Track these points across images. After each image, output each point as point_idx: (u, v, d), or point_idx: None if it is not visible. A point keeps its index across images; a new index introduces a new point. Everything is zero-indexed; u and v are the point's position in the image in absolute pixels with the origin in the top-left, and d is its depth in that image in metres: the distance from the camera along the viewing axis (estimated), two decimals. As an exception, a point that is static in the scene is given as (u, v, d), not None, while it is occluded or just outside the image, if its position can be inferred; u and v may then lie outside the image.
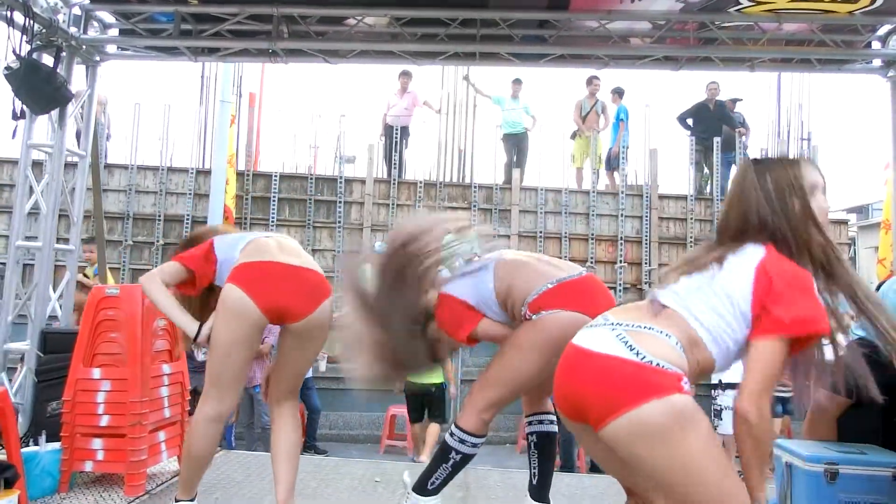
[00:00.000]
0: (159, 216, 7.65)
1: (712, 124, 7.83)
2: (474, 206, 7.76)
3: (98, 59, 3.85)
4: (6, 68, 3.21)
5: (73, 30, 3.60)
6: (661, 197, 7.99)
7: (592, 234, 7.85)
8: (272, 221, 7.58)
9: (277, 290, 2.01)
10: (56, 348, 3.28)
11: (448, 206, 7.79)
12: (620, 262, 7.76)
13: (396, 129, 8.02)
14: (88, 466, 2.77)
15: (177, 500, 2.24)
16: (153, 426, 2.83)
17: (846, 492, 2.48)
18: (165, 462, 3.02)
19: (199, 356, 2.16)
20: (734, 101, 8.34)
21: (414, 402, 5.50)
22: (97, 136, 4.22)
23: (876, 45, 3.67)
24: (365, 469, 3.34)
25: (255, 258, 2.06)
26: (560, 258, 7.74)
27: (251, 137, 8.50)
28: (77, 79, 3.78)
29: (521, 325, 2.10)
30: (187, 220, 7.62)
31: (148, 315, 2.86)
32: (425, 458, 5.20)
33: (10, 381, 3.35)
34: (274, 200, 7.64)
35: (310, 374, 6.03)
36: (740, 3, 3.34)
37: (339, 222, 7.72)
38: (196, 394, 4.99)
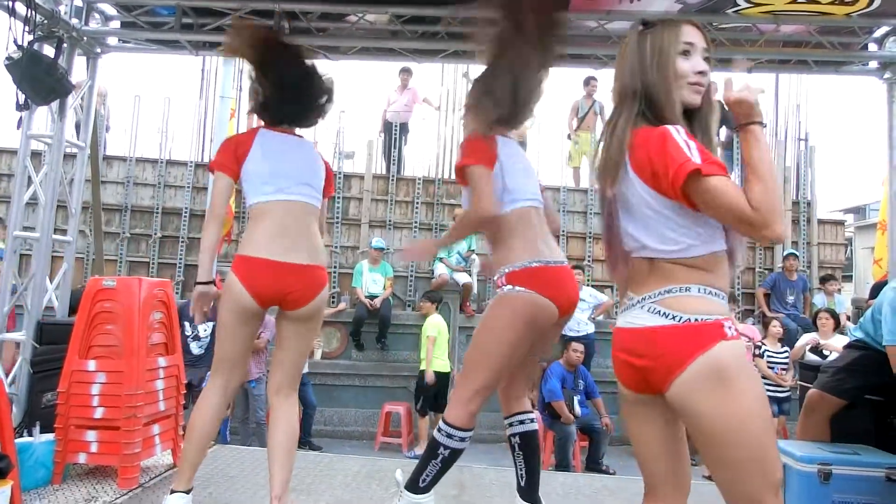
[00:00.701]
0: (157, 209, 7.65)
1: (710, 125, 7.84)
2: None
3: (99, 51, 3.85)
4: (7, 58, 3.21)
5: (74, 21, 3.60)
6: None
7: (590, 233, 7.87)
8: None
9: (269, 283, 2.21)
10: (52, 339, 3.29)
11: (447, 203, 7.80)
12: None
13: (396, 126, 8.02)
14: (82, 458, 2.78)
15: (172, 491, 2.26)
16: (148, 419, 2.84)
17: (840, 492, 2.51)
18: (159, 455, 3.04)
19: (197, 320, 2.27)
20: None
21: (424, 395, 5.65)
22: (97, 127, 4.22)
23: (872, 47, 3.69)
24: (360, 465, 3.35)
25: (254, 254, 2.22)
26: (557, 257, 7.78)
27: (250, 132, 8.47)
28: (78, 70, 3.79)
29: (492, 301, 2.18)
30: (185, 213, 7.62)
31: (144, 308, 2.87)
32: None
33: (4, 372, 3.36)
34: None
35: (306, 369, 6.05)
36: (738, 5, 3.35)
37: (338, 218, 7.73)
38: (191, 387, 5.06)
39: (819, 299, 7.06)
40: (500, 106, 2.21)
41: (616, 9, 3.47)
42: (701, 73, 1.47)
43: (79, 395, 2.77)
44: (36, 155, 3.84)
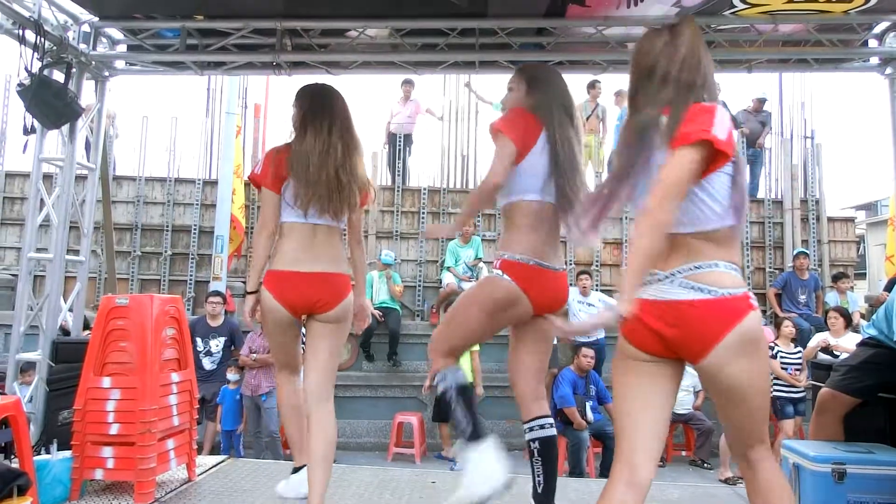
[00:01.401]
0: (167, 227, 7.75)
1: (714, 125, 7.84)
2: (478, 211, 7.78)
3: (107, 74, 3.93)
4: (19, 85, 3.30)
5: (82, 46, 3.68)
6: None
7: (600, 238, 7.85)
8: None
9: (298, 293, 2.41)
10: (67, 358, 3.34)
11: (452, 213, 7.83)
12: (625, 264, 7.75)
13: (400, 137, 8.09)
14: (99, 474, 2.82)
15: (296, 470, 2.62)
16: (162, 434, 2.88)
17: (854, 491, 2.49)
18: (174, 470, 3.07)
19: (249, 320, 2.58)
20: (761, 100, 8.33)
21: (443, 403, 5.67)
22: (106, 148, 4.30)
23: (873, 42, 3.68)
24: (372, 475, 3.36)
25: (282, 267, 2.42)
26: (565, 262, 7.77)
27: (257, 148, 8.59)
28: (87, 94, 3.87)
29: (482, 278, 2.28)
30: (195, 230, 7.71)
31: (157, 324, 2.92)
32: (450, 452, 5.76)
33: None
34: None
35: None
36: (735, 6, 3.37)
37: (344, 230, 7.77)
38: (204, 402, 5.10)
39: (832, 297, 6.99)
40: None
41: (613, 14, 3.50)
42: None
43: (94, 412, 2.82)
44: (47, 177, 3.92)
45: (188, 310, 7.04)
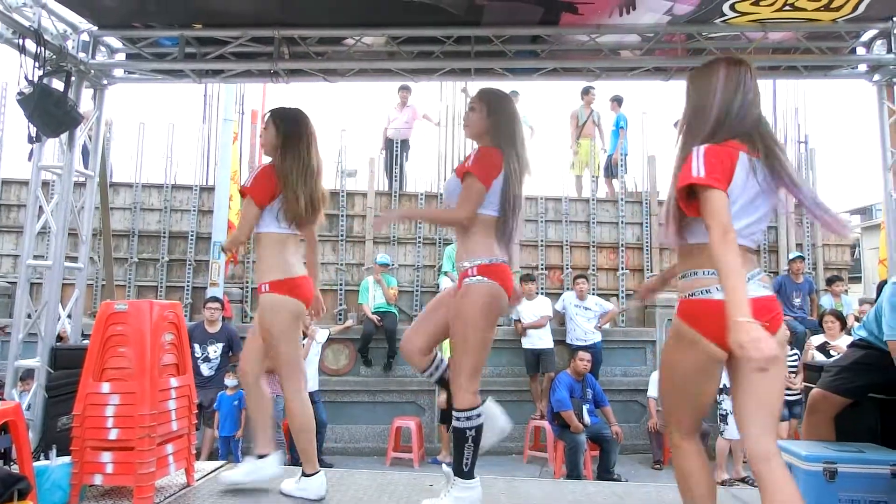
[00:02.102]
0: (164, 233, 7.77)
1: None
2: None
3: (105, 82, 3.97)
4: (19, 94, 3.33)
5: (81, 55, 3.72)
6: (661, 203, 8.05)
7: (593, 242, 7.91)
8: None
9: (309, 292, 2.89)
10: (65, 364, 3.36)
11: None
12: (622, 269, 7.81)
13: (397, 143, 8.14)
14: (98, 480, 2.82)
15: (306, 475, 2.87)
16: (161, 439, 2.89)
17: (846, 490, 2.52)
18: (173, 475, 3.08)
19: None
20: None
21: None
22: (104, 156, 4.33)
23: (861, 50, 3.75)
24: (371, 479, 3.37)
25: (292, 275, 2.80)
26: (562, 267, 7.87)
27: (254, 154, 8.62)
28: (86, 102, 3.90)
29: (465, 291, 2.46)
30: (192, 236, 7.73)
31: (155, 330, 2.94)
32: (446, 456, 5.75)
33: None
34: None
35: (316, 387, 6.09)
36: (726, 14, 3.43)
37: (342, 235, 7.82)
38: (202, 408, 5.10)
39: (826, 301, 7.05)
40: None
41: (606, 23, 3.56)
42: None
43: (94, 418, 2.82)
44: (45, 185, 3.95)
45: (186, 316, 7.04)
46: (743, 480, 5.39)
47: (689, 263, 1.89)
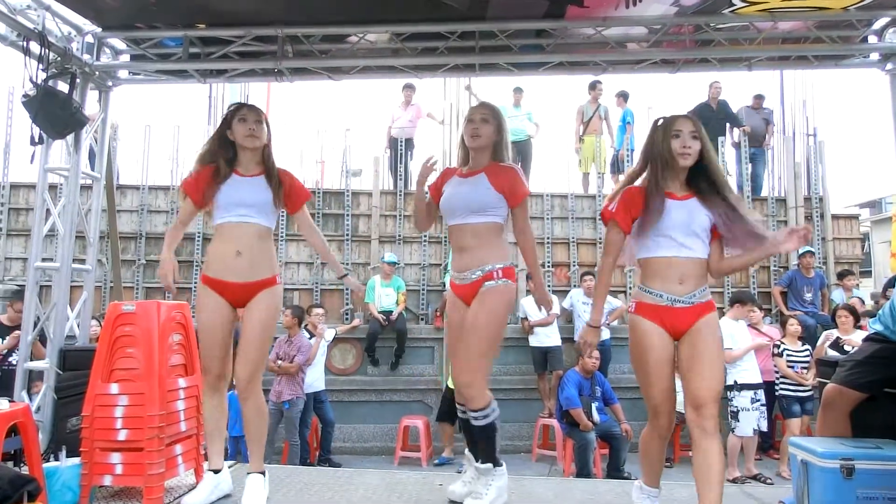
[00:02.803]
0: (171, 235, 7.78)
1: (715, 124, 7.86)
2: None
3: (111, 84, 3.97)
4: (24, 96, 3.33)
5: (86, 57, 3.72)
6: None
7: (600, 238, 7.86)
8: (282, 236, 7.68)
9: None
10: (75, 365, 3.36)
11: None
12: (630, 265, 7.75)
13: (401, 142, 8.11)
14: (107, 480, 2.82)
15: (261, 472, 2.81)
16: (170, 439, 2.88)
17: (864, 487, 2.48)
18: (183, 475, 3.07)
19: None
20: (759, 97, 8.33)
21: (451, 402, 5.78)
22: (111, 158, 4.33)
23: (872, 39, 3.69)
24: (380, 479, 3.36)
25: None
26: (569, 264, 7.83)
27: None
28: (91, 104, 3.90)
29: (490, 291, 2.54)
30: (198, 237, 7.75)
31: (163, 330, 2.93)
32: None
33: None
34: (282, 215, 7.75)
35: (322, 387, 6.09)
36: (734, 4, 3.38)
37: (348, 235, 7.81)
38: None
39: (837, 295, 6.97)
40: None
41: (612, 15, 3.52)
42: (686, 146, 2.34)
43: (102, 419, 2.82)
44: (52, 187, 3.95)
45: (193, 316, 7.06)
46: (755, 478, 5.33)
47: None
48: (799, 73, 8.18)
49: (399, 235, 7.81)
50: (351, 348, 7.02)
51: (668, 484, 3.36)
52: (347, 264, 7.71)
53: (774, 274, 7.62)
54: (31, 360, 3.54)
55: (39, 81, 3.32)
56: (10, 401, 2.59)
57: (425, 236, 7.77)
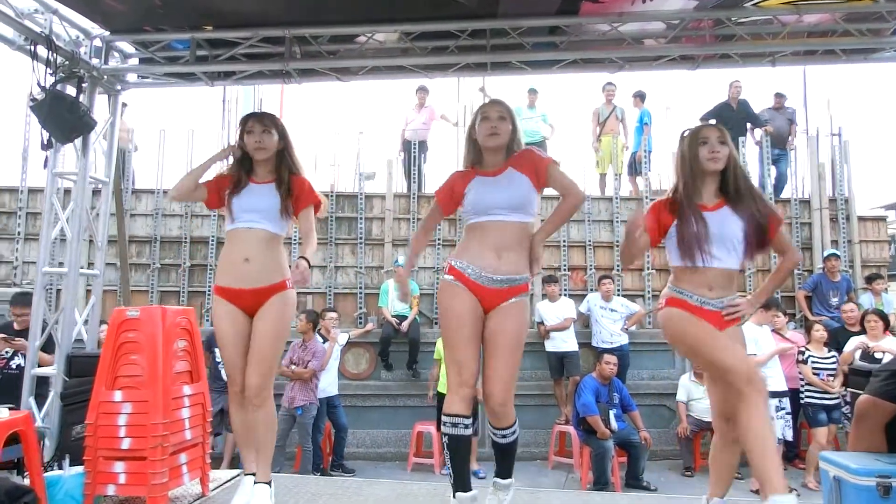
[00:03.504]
0: (185, 238, 7.80)
1: (736, 124, 7.65)
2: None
3: (119, 87, 3.95)
4: (32, 100, 3.32)
5: (94, 61, 3.70)
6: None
7: (618, 241, 7.69)
8: (295, 241, 7.65)
9: None
10: (81, 372, 3.33)
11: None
12: (648, 268, 7.58)
13: (414, 144, 8.04)
14: (111, 490, 2.78)
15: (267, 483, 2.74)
16: (174, 448, 2.83)
17: (902, 507, 2.32)
18: (188, 485, 3.01)
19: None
20: (781, 95, 8.11)
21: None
22: (120, 161, 4.32)
23: (905, 32, 3.52)
24: (389, 490, 3.27)
25: None
26: (585, 267, 7.68)
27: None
28: (102, 108, 3.89)
29: (516, 305, 2.45)
30: (212, 241, 7.75)
31: (167, 336, 2.88)
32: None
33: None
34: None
35: (335, 392, 6.03)
36: (757, -3, 3.25)
37: (361, 238, 7.75)
38: (223, 413, 5.06)
39: (866, 299, 6.72)
40: None
41: (628, 10, 3.40)
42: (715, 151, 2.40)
43: (106, 427, 2.78)
44: (67, 192, 3.93)
45: (207, 320, 7.06)
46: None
47: None
48: (822, 70, 7.97)
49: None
50: (364, 353, 6.95)
51: (688, 498, 3.22)
52: (361, 268, 7.65)
53: (798, 278, 7.38)
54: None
55: (47, 85, 3.30)
56: (10, 408, 2.54)
57: (439, 239, 7.68)
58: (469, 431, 2.42)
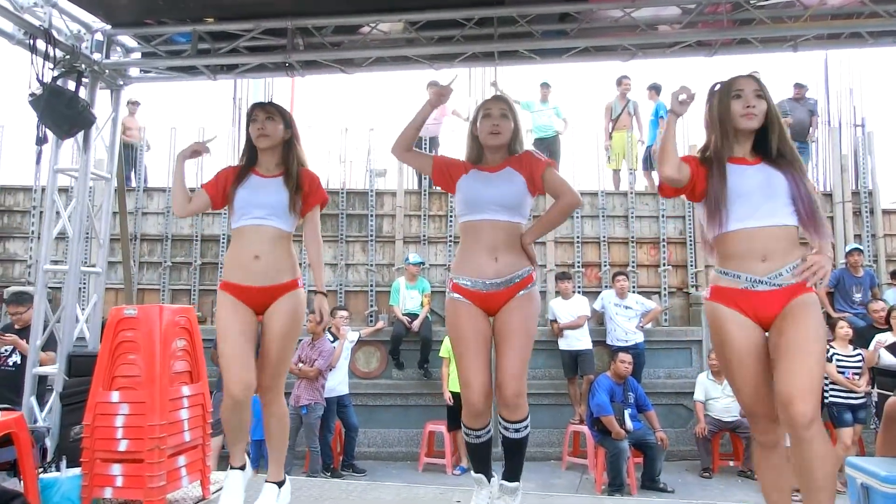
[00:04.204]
0: (196, 236, 7.79)
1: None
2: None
3: (121, 82, 3.90)
4: (30, 95, 3.27)
5: (96, 55, 3.65)
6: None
7: (633, 237, 7.52)
8: (296, 238, 7.60)
9: None
10: (81, 371, 3.28)
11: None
12: (664, 264, 7.40)
13: (425, 140, 7.93)
14: (108, 493, 2.71)
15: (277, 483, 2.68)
16: (172, 450, 2.76)
17: (933, 515, 2.17)
18: (187, 488, 2.95)
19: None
20: (801, 86, 7.83)
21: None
22: (122, 158, 4.27)
23: (938, 11, 3.32)
24: (395, 494, 3.18)
25: None
26: (599, 264, 7.52)
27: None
28: (105, 104, 3.84)
29: (525, 299, 2.39)
30: (223, 239, 7.73)
31: (166, 336, 2.81)
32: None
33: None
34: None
35: (346, 391, 5.96)
36: (778, -22, 3.08)
37: (372, 235, 7.67)
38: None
39: (890, 295, 6.48)
40: None
41: (642, -6, 3.26)
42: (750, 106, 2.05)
43: (103, 428, 2.72)
44: (62, 190, 3.90)
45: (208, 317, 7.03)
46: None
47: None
48: (845, 59, 7.67)
49: (424, 236, 7.63)
50: (375, 351, 6.87)
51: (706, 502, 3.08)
52: (371, 265, 7.57)
53: (821, 273, 7.14)
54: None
55: (47, 80, 3.25)
56: (2, 409, 2.49)
57: (450, 236, 7.57)
58: (489, 437, 2.49)
